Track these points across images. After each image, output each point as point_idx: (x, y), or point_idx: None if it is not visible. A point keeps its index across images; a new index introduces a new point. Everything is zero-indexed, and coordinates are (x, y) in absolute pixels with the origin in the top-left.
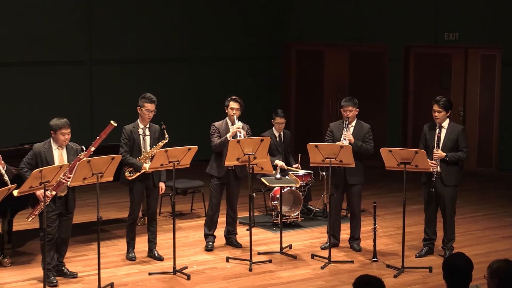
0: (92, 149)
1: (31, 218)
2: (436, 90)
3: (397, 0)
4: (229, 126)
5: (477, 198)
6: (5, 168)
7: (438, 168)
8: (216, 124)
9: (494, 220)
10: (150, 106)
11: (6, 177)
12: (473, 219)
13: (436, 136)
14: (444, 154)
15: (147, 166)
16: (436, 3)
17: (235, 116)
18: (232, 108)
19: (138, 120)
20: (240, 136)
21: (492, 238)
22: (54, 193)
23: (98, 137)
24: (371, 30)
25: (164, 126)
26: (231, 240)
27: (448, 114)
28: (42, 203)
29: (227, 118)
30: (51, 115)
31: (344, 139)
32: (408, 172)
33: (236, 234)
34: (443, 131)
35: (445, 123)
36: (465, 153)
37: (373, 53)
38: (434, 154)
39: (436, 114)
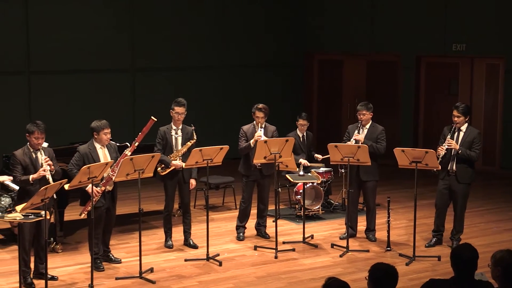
0: (136, 144)
1: (83, 215)
2: (445, 96)
3: (409, 14)
4: (255, 130)
5: (482, 193)
6: (53, 172)
7: (454, 166)
8: (244, 128)
9: (497, 214)
10: (180, 109)
11: (51, 181)
12: (478, 213)
13: (450, 134)
14: (457, 146)
15: (176, 162)
16: (445, 16)
17: (259, 124)
18: (257, 117)
19: (172, 122)
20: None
21: (495, 230)
22: (103, 188)
23: (140, 133)
24: (386, 41)
25: (193, 128)
26: (260, 231)
27: (467, 119)
28: (95, 198)
29: (254, 122)
30: (98, 117)
31: (354, 139)
32: (419, 170)
33: (266, 226)
34: (461, 134)
35: (464, 127)
36: (475, 154)
37: (388, 62)
38: (447, 141)
39: (456, 119)
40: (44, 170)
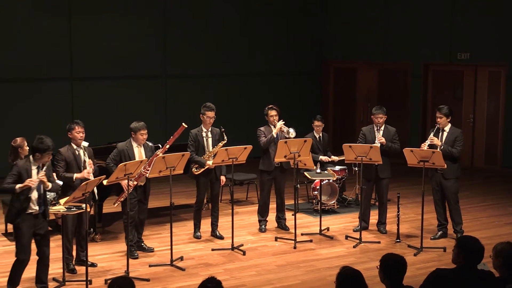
0: (167, 146)
1: (116, 204)
2: (450, 101)
3: (418, 26)
4: (272, 128)
5: (484, 190)
6: (94, 171)
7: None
8: (261, 128)
9: (498, 209)
10: (210, 113)
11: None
12: (481, 208)
13: (433, 133)
14: (439, 142)
15: (210, 162)
16: (451, 28)
17: (274, 122)
18: (271, 116)
19: (202, 125)
20: (285, 130)
21: (496, 224)
22: (135, 183)
23: (172, 136)
24: (396, 51)
25: (223, 129)
26: (281, 224)
27: (449, 120)
28: (126, 192)
29: (268, 123)
30: (133, 120)
31: (379, 142)
32: (426, 168)
33: (285, 219)
34: (445, 133)
35: (447, 127)
36: (457, 150)
37: (398, 69)
38: (429, 139)
39: (439, 119)
40: (88, 173)
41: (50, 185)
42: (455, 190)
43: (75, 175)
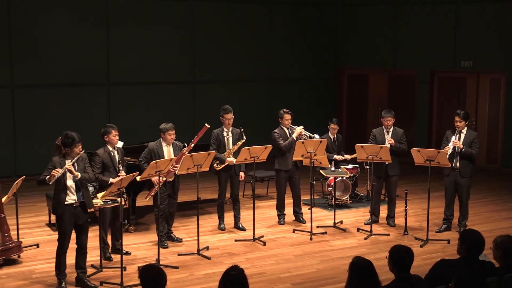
0: (192, 145)
1: (148, 198)
2: (454, 105)
3: (425, 36)
4: (285, 131)
5: (485, 187)
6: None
7: (458, 163)
8: (276, 130)
9: (498, 205)
10: (228, 116)
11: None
12: (482, 203)
13: (455, 136)
14: (461, 144)
15: (230, 159)
16: (455, 38)
17: (290, 124)
18: (287, 119)
19: (223, 126)
20: (305, 135)
21: (497, 218)
22: (164, 179)
23: (196, 136)
24: (405, 59)
25: (242, 129)
26: (298, 217)
27: (467, 123)
28: (157, 187)
29: (281, 126)
30: (164, 121)
31: (389, 142)
32: (432, 167)
33: (302, 213)
34: (462, 136)
35: (464, 130)
36: (475, 152)
37: (406, 76)
38: (452, 141)
39: (458, 123)
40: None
41: (79, 174)
42: (469, 187)
43: (111, 180)
